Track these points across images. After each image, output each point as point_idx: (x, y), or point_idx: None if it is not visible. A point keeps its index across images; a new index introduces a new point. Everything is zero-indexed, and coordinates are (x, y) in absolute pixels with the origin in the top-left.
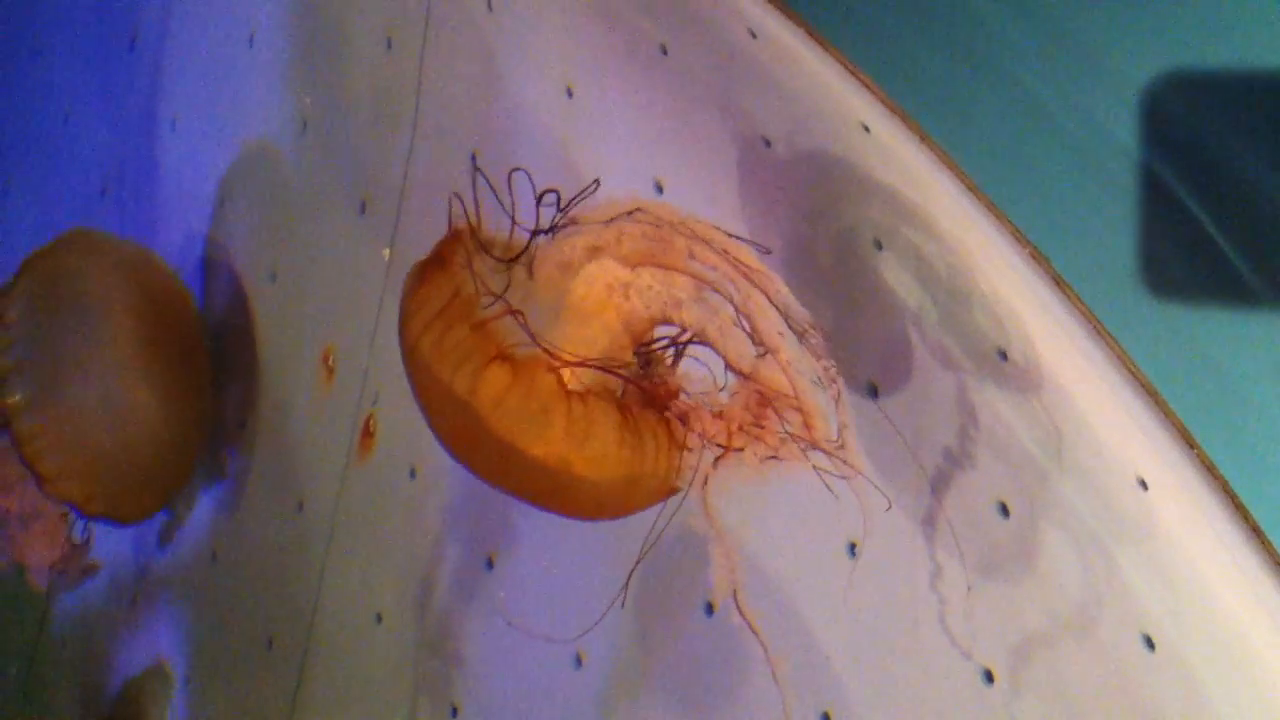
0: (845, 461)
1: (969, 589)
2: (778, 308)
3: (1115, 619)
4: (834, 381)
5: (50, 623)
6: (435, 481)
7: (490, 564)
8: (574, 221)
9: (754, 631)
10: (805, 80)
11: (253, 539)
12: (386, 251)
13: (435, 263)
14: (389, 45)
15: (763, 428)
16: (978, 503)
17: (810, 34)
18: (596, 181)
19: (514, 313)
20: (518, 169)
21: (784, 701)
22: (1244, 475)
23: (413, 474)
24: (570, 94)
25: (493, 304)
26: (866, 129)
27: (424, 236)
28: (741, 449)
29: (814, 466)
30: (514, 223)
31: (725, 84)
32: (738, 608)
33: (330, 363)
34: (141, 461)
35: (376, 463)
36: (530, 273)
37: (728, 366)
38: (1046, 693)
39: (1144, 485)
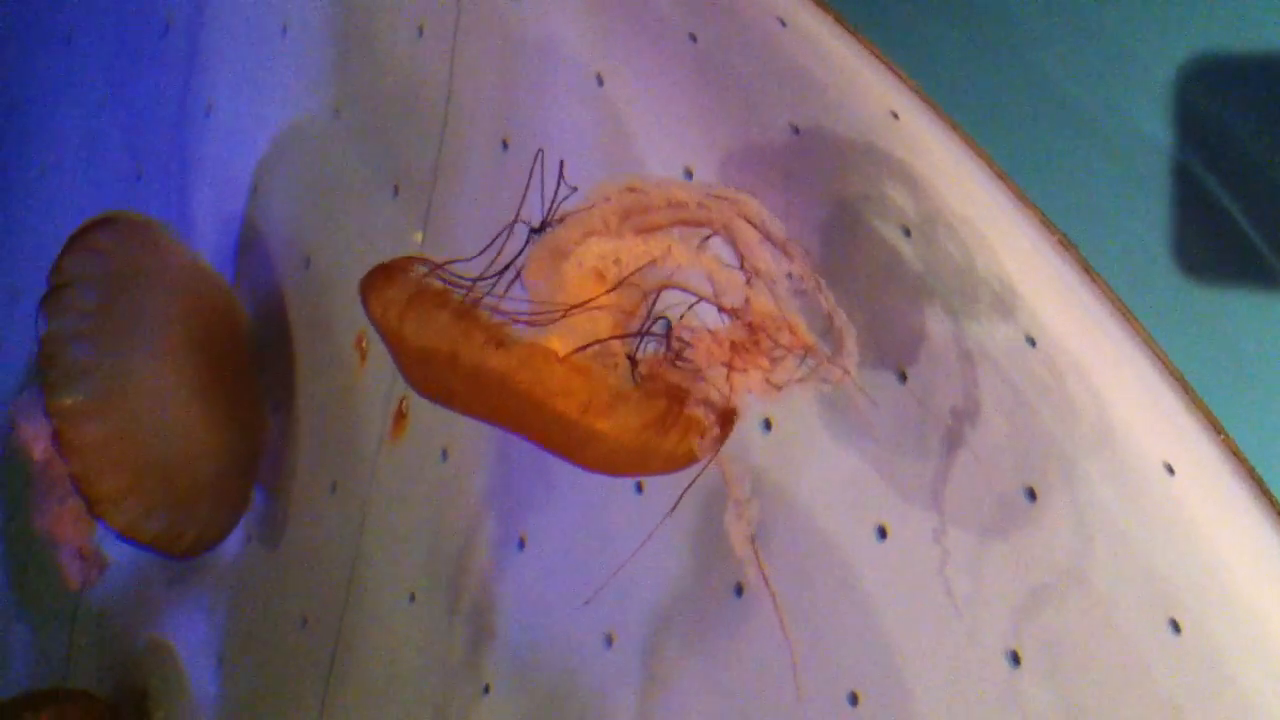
0: (844, 368)
1: (994, 573)
2: (755, 224)
3: (1141, 603)
4: (822, 290)
5: (88, 598)
6: (467, 463)
7: (522, 544)
8: (559, 221)
9: (770, 592)
10: (834, 68)
11: (287, 520)
12: (419, 235)
13: (382, 271)
14: (420, 33)
15: (760, 351)
16: (1004, 488)
17: (839, 22)
18: (574, 188)
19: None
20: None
21: (796, 676)
22: (1271, 461)
23: (445, 455)
24: (600, 81)
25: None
26: (896, 116)
27: (455, 220)
28: (745, 370)
29: (815, 375)
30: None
31: (754, 72)
32: (759, 567)
33: (363, 346)
34: (193, 490)
35: (409, 444)
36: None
37: (720, 310)
38: (1071, 675)
39: (1170, 471)
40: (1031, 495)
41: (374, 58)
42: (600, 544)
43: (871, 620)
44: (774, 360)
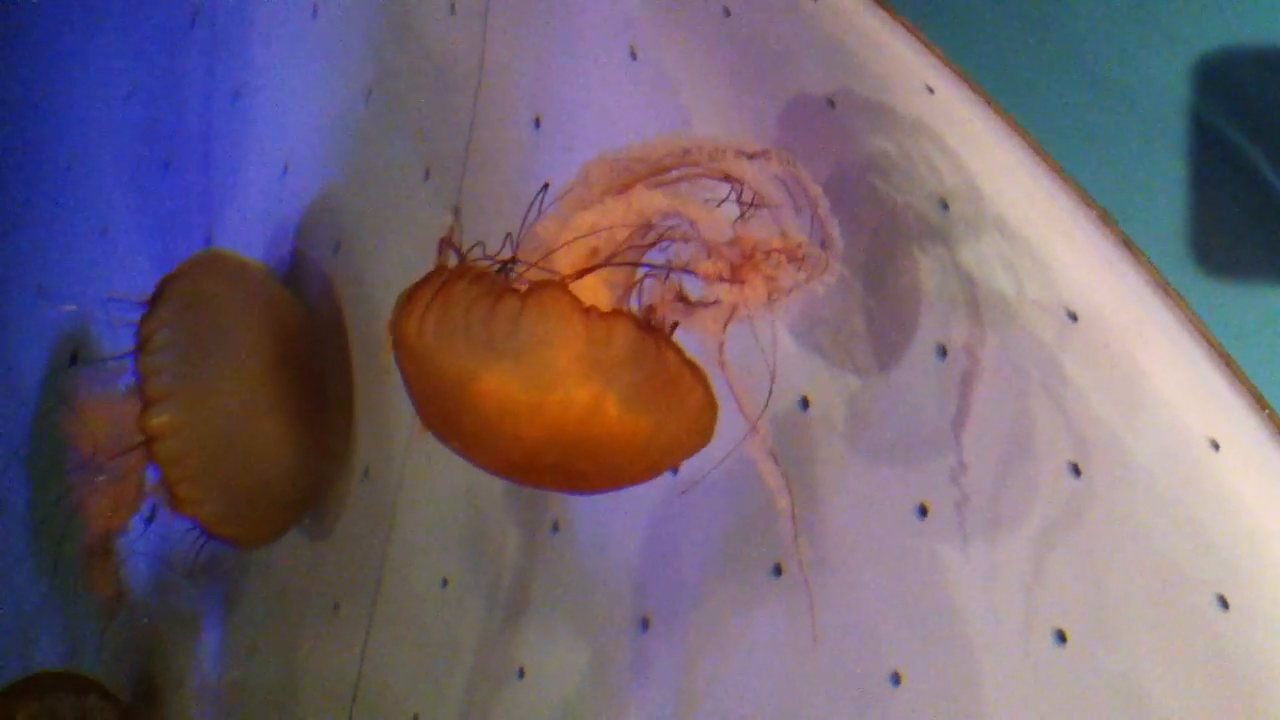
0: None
1: (1040, 550)
2: (735, 151)
3: (1188, 579)
4: (816, 198)
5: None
6: None
7: (556, 527)
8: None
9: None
10: (868, 42)
11: (320, 506)
12: (450, 218)
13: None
14: (452, 10)
15: (755, 263)
16: (1049, 465)
17: None
18: (545, 184)
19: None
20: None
21: (814, 624)
22: None
23: None
24: (634, 56)
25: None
26: (931, 91)
27: (486, 201)
28: (744, 283)
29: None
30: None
31: (787, 46)
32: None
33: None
34: (270, 488)
35: None
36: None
37: (709, 250)
38: (1118, 652)
39: (1215, 446)
40: (1076, 471)
41: (405, 38)
42: (634, 526)
43: (914, 600)
44: (769, 270)
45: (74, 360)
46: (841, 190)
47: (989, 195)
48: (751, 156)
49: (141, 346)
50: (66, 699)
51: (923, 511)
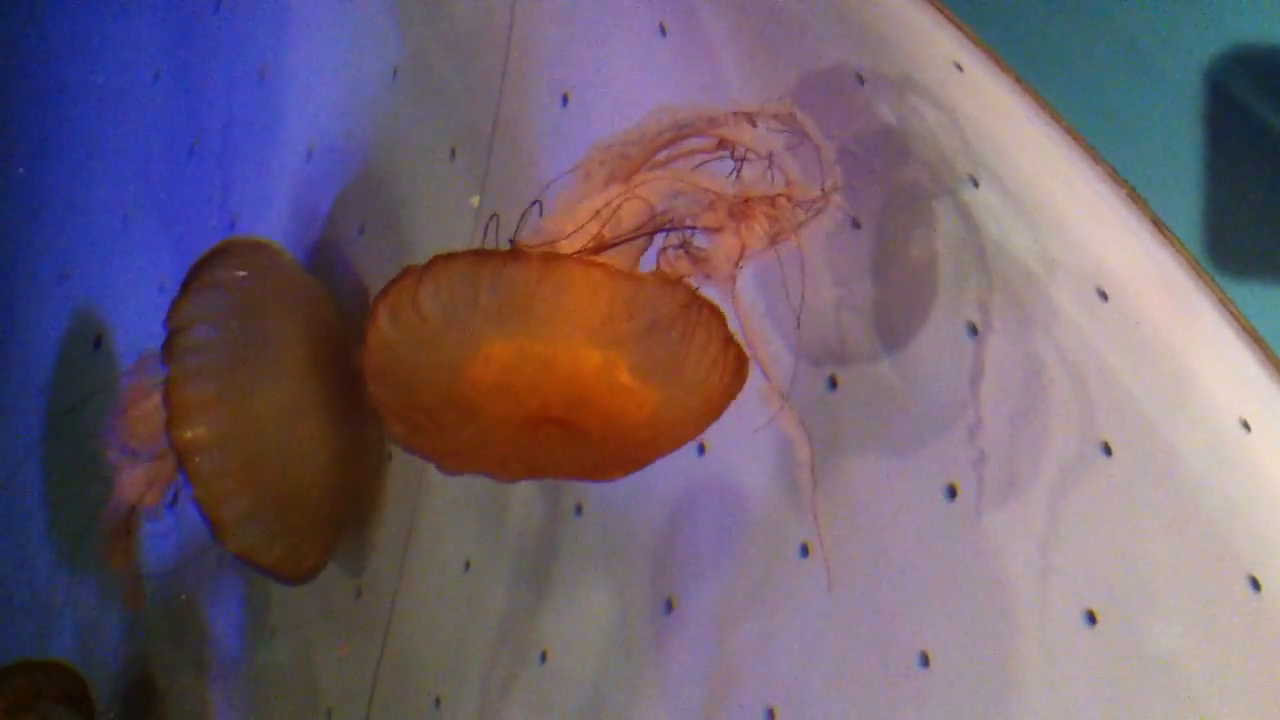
0: (841, 204)
1: (1069, 530)
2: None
3: (1219, 560)
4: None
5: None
6: None
7: (579, 510)
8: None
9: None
10: (897, 20)
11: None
12: (475, 199)
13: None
14: None
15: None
16: (1080, 444)
17: None
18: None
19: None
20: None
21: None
22: None
23: None
24: (663, 31)
25: None
26: (960, 68)
27: (513, 182)
28: (749, 227)
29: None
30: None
31: (816, 22)
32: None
33: None
34: (313, 510)
35: None
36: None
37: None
38: (1149, 633)
39: (1246, 427)
40: (1108, 451)
41: (433, 15)
42: (657, 507)
43: (943, 580)
44: (771, 211)
45: (97, 345)
46: (870, 166)
47: (1018, 173)
48: (750, 116)
49: (171, 346)
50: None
51: (952, 492)
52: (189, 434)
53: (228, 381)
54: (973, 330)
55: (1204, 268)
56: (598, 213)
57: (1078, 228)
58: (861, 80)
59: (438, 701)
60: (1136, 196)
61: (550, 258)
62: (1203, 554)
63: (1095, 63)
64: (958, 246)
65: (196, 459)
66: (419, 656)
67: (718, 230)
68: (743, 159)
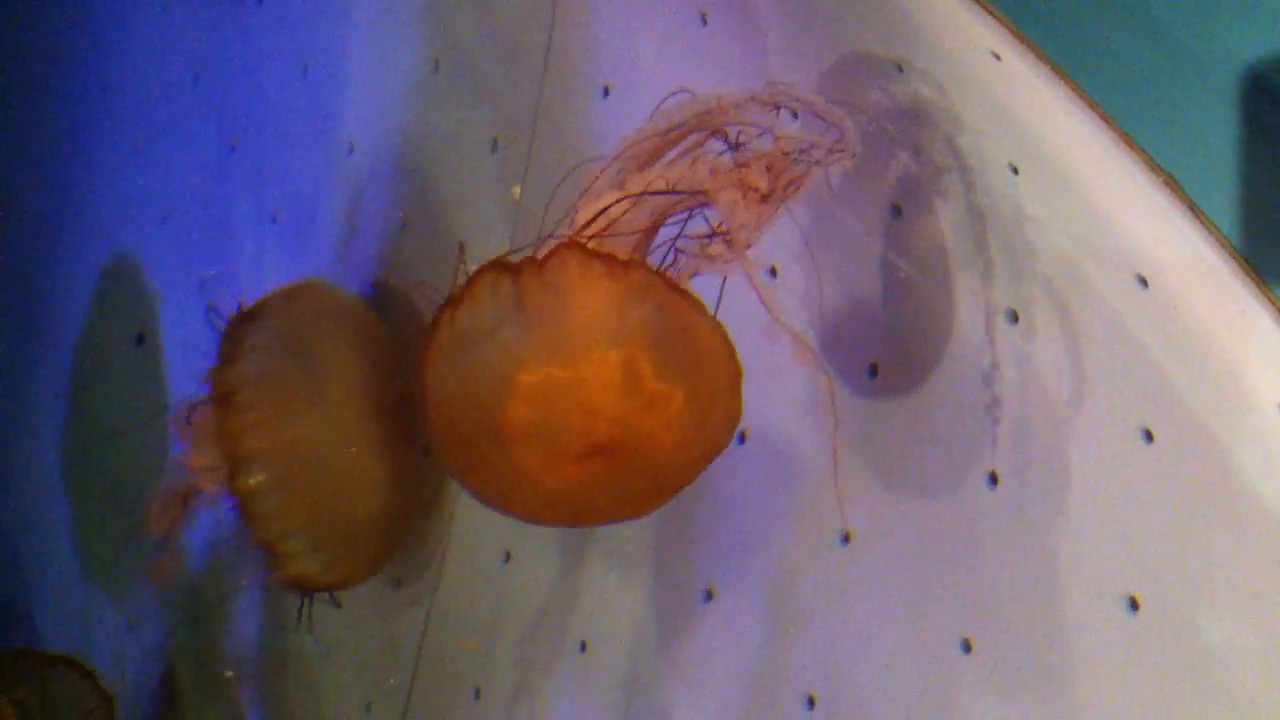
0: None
1: (1111, 517)
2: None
3: (1259, 547)
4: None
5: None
6: None
7: None
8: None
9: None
10: (936, 10)
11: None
12: (516, 189)
13: None
14: None
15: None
16: (1121, 430)
17: None
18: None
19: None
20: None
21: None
22: None
23: None
24: (704, 21)
25: None
26: (997, 58)
27: (554, 173)
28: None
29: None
30: None
31: (856, 11)
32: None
33: None
34: (368, 533)
35: None
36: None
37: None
38: (1190, 618)
39: None
40: (1148, 437)
41: (474, 7)
42: (697, 496)
43: (984, 567)
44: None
45: (139, 342)
46: (909, 155)
47: (1057, 161)
48: (763, 100)
49: (222, 402)
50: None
51: (993, 480)
52: (250, 482)
53: (281, 428)
54: (1013, 317)
55: (1241, 255)
56: (612, 204)
57: (1116, 216)
58: (900, 69)
59: (477, 692)
60: (1174, 184)
61: (556, 260)
62: (1247, 541)
63: (1131, 51)
64: (998, 234)
65: (256, 505)
66: (459, 648)
67: (723, 199)
68: (750, 140)
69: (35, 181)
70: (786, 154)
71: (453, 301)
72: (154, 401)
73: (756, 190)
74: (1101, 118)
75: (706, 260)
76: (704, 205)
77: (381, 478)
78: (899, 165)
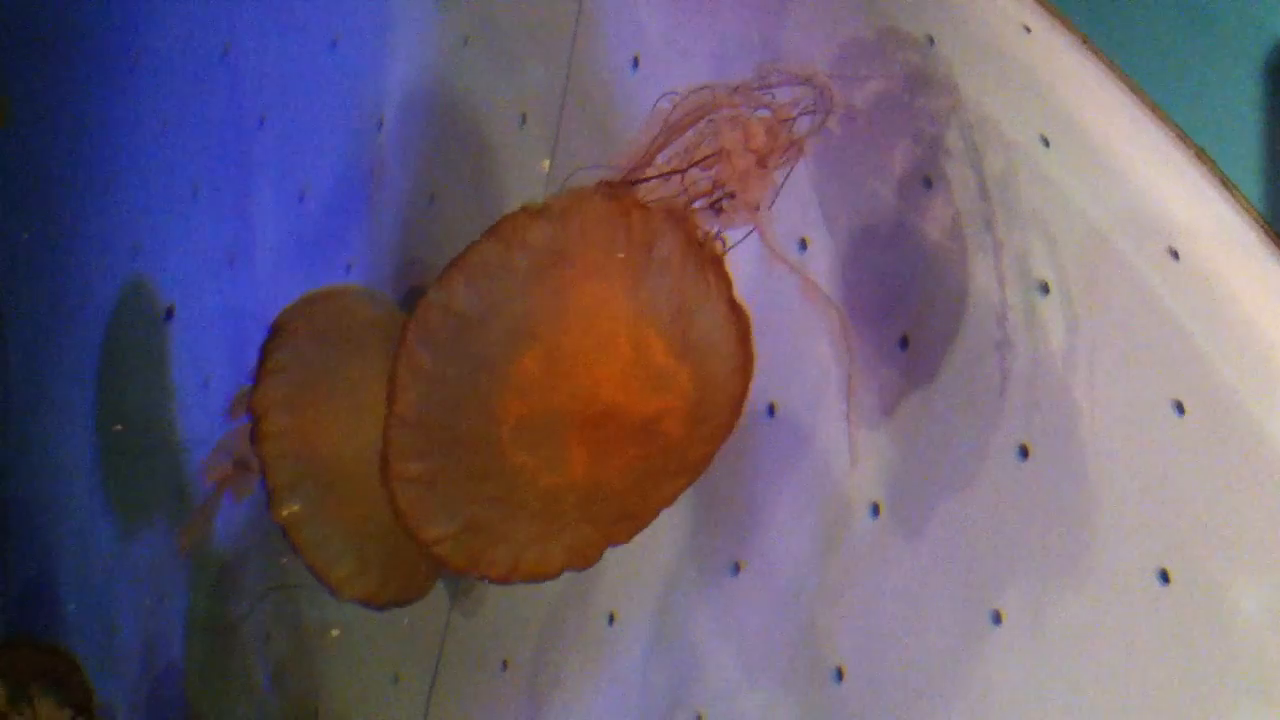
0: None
1: (1141, 486)
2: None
3: None
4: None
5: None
6: None
7: None
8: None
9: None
10: None
11: None
12: (545, 164)
13: None
14: None
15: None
16: (1153, 402)
17: None
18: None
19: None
20: None
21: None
22: None
23: None
24: None
25: None
26: (1028, 30)
27: (583, 147)
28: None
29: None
30: None
31: None
32: None
33: None
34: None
35: None
36: None
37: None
38: (1222, 591)
39: None
40: (1180, 409)
41: None
42: (728, 471)
43: (1015, 540)
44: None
45: (168, 317)
46: (940, 127)
47: (1088, 133)
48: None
49: (255, 432)
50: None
51: (1024, 452)
52: (286, 512)
53: (315, 452)
54: (1044, 289)
55: (1272, 226)
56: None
57: (1148, 188)
58: (932, 41)
59: (505, 664)
60: (1204, 156)
61: (568, 204)
62: (1278, 511)
63: (1161, 23)
64: (1029, 206)
65: (299, 532)
66: (487, 620)
67: (728, 163)
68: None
69: (64, 158)
70: (782, 120)
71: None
72: (182, 377)
73: (758, 152)
74: (1132, 90)
75: (722, 221)
76: (710, 169)
77: None
78: (930, 137)
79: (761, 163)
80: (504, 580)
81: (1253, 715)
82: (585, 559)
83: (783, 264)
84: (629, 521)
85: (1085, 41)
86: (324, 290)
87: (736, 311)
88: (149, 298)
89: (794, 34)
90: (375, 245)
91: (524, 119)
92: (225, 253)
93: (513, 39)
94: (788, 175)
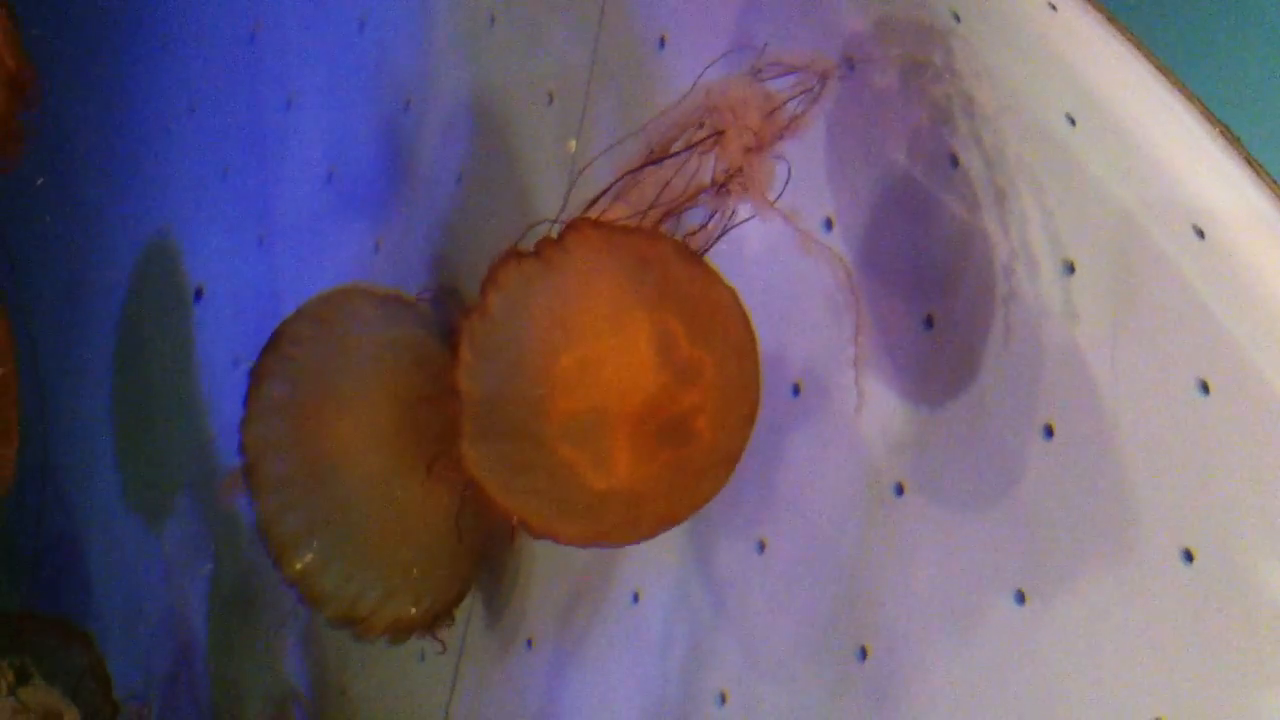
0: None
1: (1164, 468)
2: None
3: None
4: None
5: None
6: None
7: None
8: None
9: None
10: None
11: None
12: (572, 144)
13: None
14: None
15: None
16: (1178, 381)
17: None
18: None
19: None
20: None
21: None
22: None
23: None
24: None
25: None
26: (1054, 8)
27: (610, 127)
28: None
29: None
30: None
31: None
32: None
33: None
34: (441, 556)
35: None
36: None
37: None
38: (1245, 571)
39: None
40: (1205, 389)
41: None
42: (753, 449)
43: (1037, 519)
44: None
45: (198, 298)
46: (966, 104)
47: (1113, 112)
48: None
49: (250, 478)
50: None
51: (1049, 431)
52: (298, 566)
53: (319, 493)
54: (1069, 268)
55: None
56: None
57: (1173, 166)
58: (958, 18)
59: (530, 642)
60: (1230, 135)
61: (575, 237)
62: None
63: (1187, 1)
64: (1054, 184)
65: (311, 587)
66: (512, 598)
67: (725, 146)
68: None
69: (93, 139)
70: (776, 103)
71: (481, 303)
72: (211, 357)
73: (754, 134)
74: (1157, 68)
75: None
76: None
77: (437, 498)
78: (955, 115)
79: (759, 143)
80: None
81: (1277, 695)
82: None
83: (798, 233)
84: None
85: (1111, 19)
86: (326, 294)
87: (734, 296)
88: (178, 278)
89: (821, 10)
90: (403, 225)
91: (551, 98)
92: (254, 233)
93: (539, 18)
94: (784, 160)
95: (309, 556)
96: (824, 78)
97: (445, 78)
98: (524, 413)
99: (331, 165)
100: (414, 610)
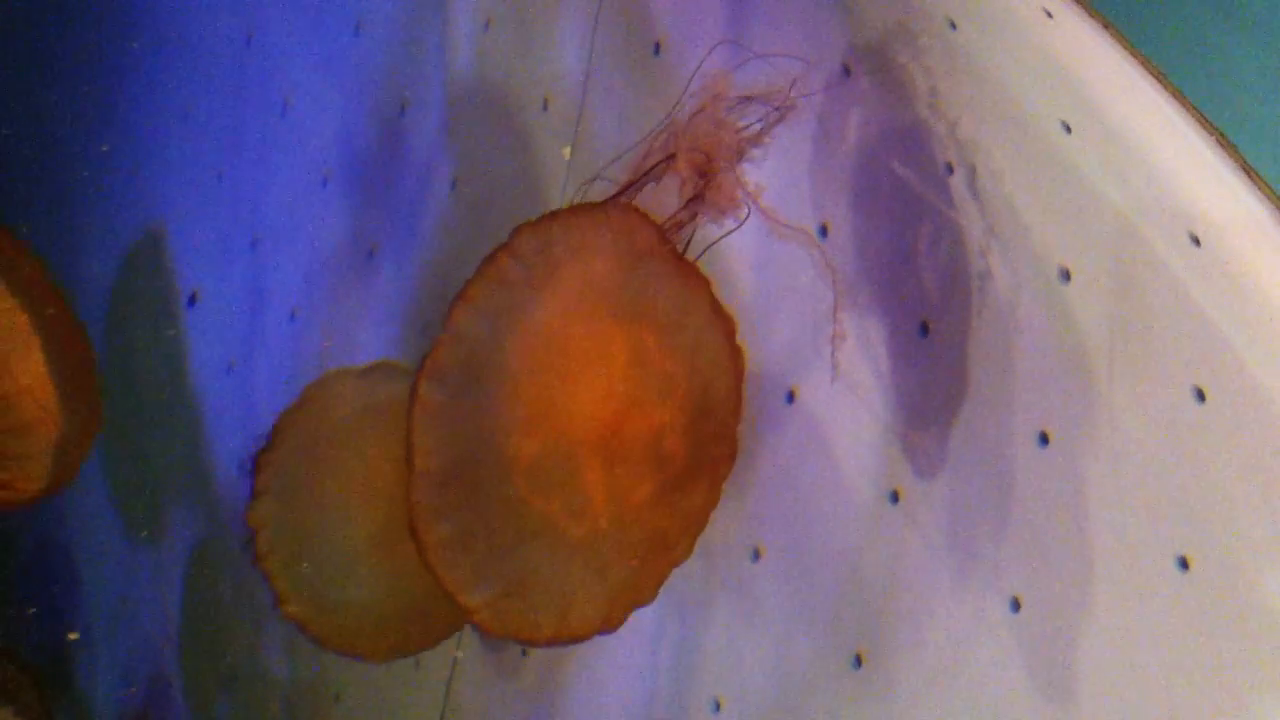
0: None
1: (1161, 473)
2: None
3: None
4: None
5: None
6: None
7: None
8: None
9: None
10: None
11: None
12: (567, 150)
13: None
14: None
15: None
16: (1174, 388)
17: None
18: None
19: None
20: None
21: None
22: None
23: None
24: None
25: None
26: (1050, 15)
27: (605, 133)
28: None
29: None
30: None
31: None
32: None
33: None
34: (418, 608)
35: None
36: None
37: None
38: (1242, 577)
39: None
40: (1200, 395)
41: None
42: (747, 457)
43: (1033, 526)
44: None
45: (191, 302)
46: (962, 112)
47: (1109, 119)
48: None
49: (255, 546)
50: None
51: (1044, 439)
52: (295, 609)
53: (309, 553)
54: (1065, 275)
55: None
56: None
57: (1169, 173)
58: (954, 26)
59: (524, 650)
60: (1226, 143)
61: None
62: None
63: (1183, 8)
64: (1050, 191)
65: (313, 626)
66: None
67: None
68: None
69: (89, 141)
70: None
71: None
72: (205, 361)
73: (715, 153)
74: (1154, 75)
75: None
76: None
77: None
78: (951, 122)
79: (717, 160)
80: (551, 642)
81: (1274, 702)
82: (637, 594)
83: (780, 231)
84: (664, 541)
85: (1107, 26)
86: (318, 382)
87: (718, 308)
88: (172, 282)
89: (816, 18)
90: (398, 230)
91: (546, 104)
92: (249, 237)
93: (535, 24)
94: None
95: (305, 602)
96: (785, 109)
97: (440, 83)
98: (489, 469)
99: (326, 169)
100: (413, 637)
